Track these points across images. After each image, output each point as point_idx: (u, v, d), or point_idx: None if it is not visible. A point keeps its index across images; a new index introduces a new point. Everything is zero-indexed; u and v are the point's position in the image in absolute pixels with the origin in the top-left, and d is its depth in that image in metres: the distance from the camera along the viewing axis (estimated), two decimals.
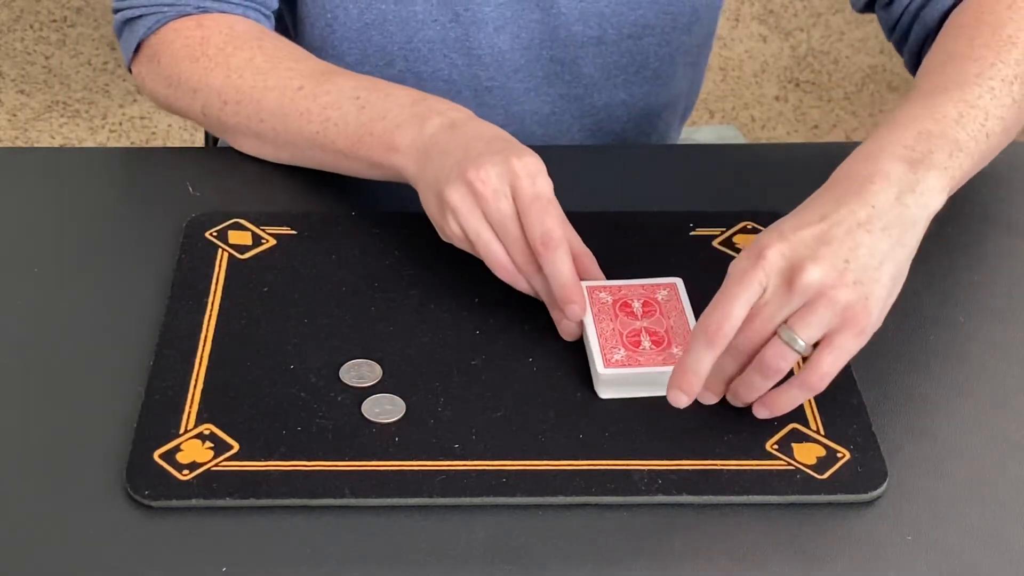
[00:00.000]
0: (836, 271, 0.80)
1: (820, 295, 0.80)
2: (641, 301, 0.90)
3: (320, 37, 1.16)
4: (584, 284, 0.90)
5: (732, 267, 0.83)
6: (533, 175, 0.89)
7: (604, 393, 0.86)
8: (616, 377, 0.86)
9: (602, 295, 0.90)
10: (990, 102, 0.91)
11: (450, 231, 0.91)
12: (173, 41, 1.07)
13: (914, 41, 1.09)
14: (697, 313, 0.89)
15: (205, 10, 1.07)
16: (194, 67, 1.05)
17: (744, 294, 0.81)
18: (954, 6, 1.04)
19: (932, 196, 0.85)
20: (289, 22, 1.21)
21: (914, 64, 1.10)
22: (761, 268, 0.81)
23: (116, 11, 1.11)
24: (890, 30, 1.12)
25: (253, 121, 1.03)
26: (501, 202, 0.89)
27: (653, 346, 0.87)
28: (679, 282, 0.92)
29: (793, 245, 0.81)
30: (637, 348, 0.87)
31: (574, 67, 1.19)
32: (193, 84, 1.05)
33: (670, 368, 0.84)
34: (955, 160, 0.87)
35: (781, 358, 0.81)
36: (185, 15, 1.07)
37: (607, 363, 0.86)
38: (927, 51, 1.03)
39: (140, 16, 1.08)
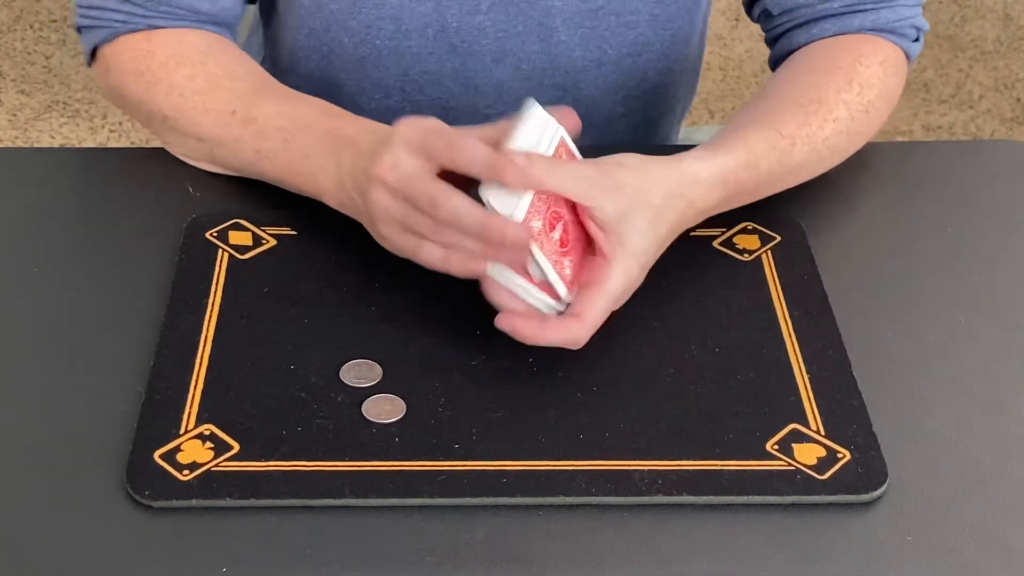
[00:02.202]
0: None
1: None
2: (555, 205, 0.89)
3: (318, 68, 1.17)
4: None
5: None
6: (396, 164, 0.89)
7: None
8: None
9: (535, 224, 0.87)
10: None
11: (397, 242, 0.91)
12: (122, 54, 1.08)
13: (776, 52, 1.16)
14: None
15: (156, 27, 1.08)
16: (139, 81, 1.06)
17: None
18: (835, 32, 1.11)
19: None
20: (273, 51, 1.22)
21: (776, 59, 1.17)
22: None
23: (77, 13, 1.11)
24: (764, 33, 1.18)
25: (192, 141, 1.04)
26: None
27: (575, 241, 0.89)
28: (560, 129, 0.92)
29: None
30: (567, 246, 0.88)
31: (575, 90, 1.18)
32: (137, 97, 1.06)
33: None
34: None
35: None
36: (136, 30, 1.08)
37: (571, 286, 0.88)
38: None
39: (93, 27, 1.09)
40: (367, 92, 1.17)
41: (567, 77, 1.17)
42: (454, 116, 1.18)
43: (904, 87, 1.12)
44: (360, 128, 0.97)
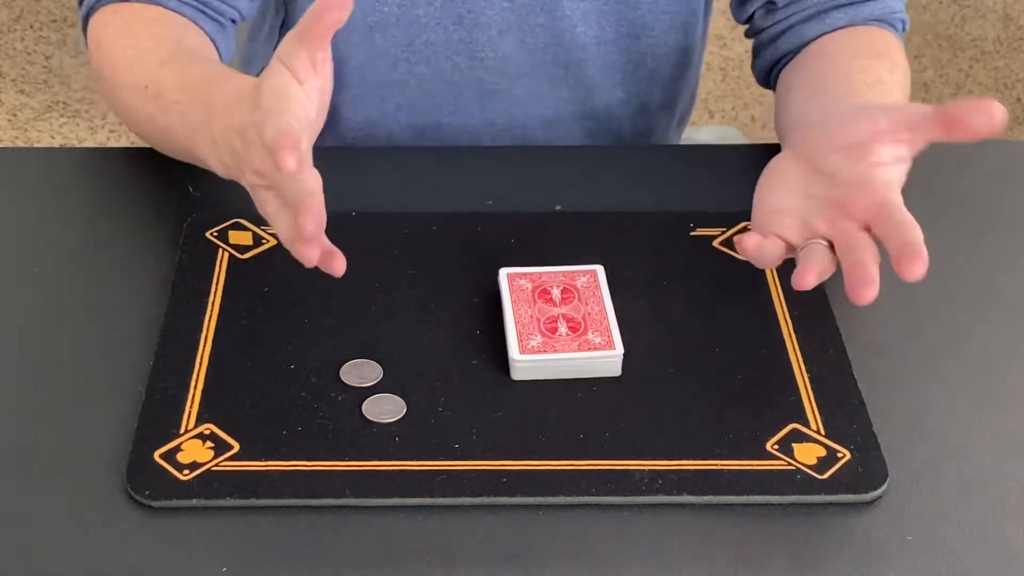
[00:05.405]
0: None
1: None
2: (560, 288, 0.91)
3: None
4: (505, 271, 0.92)
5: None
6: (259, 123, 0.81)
7: (518, 376, 0.87)
8: (532, 363, 0.87)
9: (521, 282, 0.92)
10: None
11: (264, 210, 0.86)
12: (93, 29, 1.06)
13: (782, 47, 1.15)
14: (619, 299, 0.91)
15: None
16: (98, 53, 1.05)
17: None
18: (835, 28, 1.11)
19: None
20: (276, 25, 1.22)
21: (766, 68, 1.17)
22: None
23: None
24: (759, 32, 1.18)
25: (124, 116, 1.03)
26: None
27: (569, 332, 0.88)
28: (600, 269, 0.93)
29: None
30: (554, 334, 0.88)
31: (577, 70, 1.19)
32: (101, 74, 1.05)
33: (584, 354, 0.87)
34: None
35: None
36: (112, 3, 1.06)
37: (523, 350, 0.87)
38: (786, 61, 1.13)
39: (80, 5, 1.08)
40: (373, 62, 1.17)
41: (570, 55, 1.18)
42: (458, 90, 1.18)
43: None
44: (227, 95, 0.88)
